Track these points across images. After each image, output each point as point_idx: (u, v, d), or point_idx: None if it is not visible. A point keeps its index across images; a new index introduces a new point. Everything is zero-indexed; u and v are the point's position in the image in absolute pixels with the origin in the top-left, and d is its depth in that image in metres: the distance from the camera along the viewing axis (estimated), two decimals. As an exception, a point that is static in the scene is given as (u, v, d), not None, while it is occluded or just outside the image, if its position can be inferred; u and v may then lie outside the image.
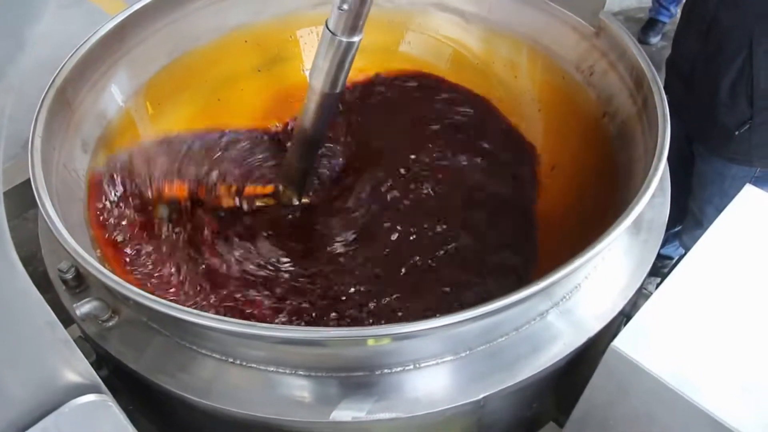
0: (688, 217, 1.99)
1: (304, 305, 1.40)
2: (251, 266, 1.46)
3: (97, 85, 1.45)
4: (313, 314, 1.38)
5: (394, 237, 1.54)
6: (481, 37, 1.73)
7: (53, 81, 1.30)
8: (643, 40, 3.41)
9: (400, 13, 1.80)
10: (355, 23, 1.23)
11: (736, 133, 1.62)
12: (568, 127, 1.60)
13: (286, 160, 1.60)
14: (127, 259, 1.37)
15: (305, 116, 1.44)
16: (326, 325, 1.36)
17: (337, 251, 1.52)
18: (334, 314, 1.39)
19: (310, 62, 1.83)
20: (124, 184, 1.44)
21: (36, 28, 0.52)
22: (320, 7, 1.77)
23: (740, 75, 1.54)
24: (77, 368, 0.74)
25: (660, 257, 1.26)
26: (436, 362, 1.05)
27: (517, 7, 1.63)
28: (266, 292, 1.41)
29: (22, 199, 1.37)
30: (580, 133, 1.55)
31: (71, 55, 1.36)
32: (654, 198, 1.20)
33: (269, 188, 1.64)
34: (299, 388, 1.04)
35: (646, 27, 3.47)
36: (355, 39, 1.27)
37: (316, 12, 1.78)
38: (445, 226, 1.56)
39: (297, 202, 1.64)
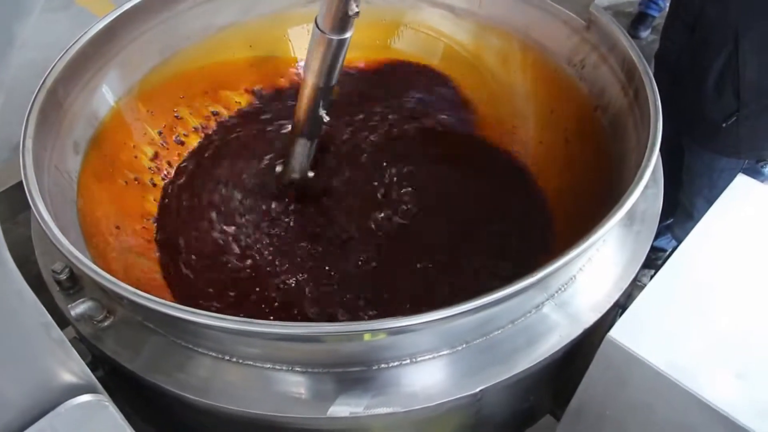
0: (679, 210, 2.00)
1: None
2: None
3: (88, 85, 1.44)
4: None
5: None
6: (473, 31, 1.74)
7: (44, 81, 1.29)
8: (633, 35, 3.42)
9: (391, 9, 1.80)
10: (343, 23, 1.23)
11: (724, 125, 1.62)
12: (560, 121, 1.61)
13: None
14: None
15: (299, 108, 1.44)
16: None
17: None
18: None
19: (301, 60, 1.85)
20: None
21: (26, 24, 0.51)
22: (311, 5, 1.77)
23: (726, 68, 1.55)
24: (73, 369, 0.73)
25: (654, 249, 1.27)
26: (433, 356, 1.05)
27: (508, 2, 1.64)
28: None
29: (12, 202, 1.36)
30: (573, 126, 1.56)
31: (62, 56, 1.35)
32: (647, 189, 1.20)
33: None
34: (296, 384, 1.04)
35: (636, 21, 3.48)
36: (347, 35, 1.27)
37: (307, 9, 1.77)
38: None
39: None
